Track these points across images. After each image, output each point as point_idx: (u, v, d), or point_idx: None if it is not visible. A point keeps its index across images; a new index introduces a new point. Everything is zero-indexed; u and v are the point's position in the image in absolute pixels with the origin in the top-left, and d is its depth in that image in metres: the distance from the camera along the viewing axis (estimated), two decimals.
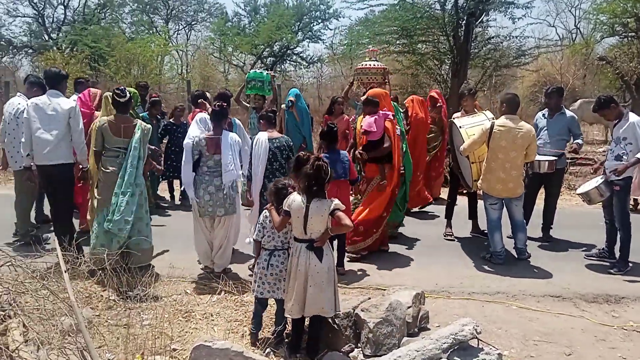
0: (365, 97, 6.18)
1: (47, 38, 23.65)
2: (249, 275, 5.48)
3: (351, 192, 6.12)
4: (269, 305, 4.26)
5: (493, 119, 6.02)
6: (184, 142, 5.38)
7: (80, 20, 22.82)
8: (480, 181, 5.95)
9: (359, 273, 5.64)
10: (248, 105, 7.97)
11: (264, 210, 4.11)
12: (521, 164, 5.80)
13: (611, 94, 6.09)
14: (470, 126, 6.11)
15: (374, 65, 7.93)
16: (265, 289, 4.03)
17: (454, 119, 6.66)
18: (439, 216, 7.96)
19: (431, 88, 14.98)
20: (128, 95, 5.27)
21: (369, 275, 5.60)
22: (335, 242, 5.36)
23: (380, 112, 5.95)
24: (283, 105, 7.52)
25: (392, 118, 5.99)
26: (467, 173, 6.35)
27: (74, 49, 19.74)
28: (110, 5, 24.38)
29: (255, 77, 7.69)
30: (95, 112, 6.22)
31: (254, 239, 4.19)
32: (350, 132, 7.67)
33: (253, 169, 5.36)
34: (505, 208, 6.00)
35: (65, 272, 3.75)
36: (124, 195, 5.08)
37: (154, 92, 10.46)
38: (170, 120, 8.74)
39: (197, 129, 5.55)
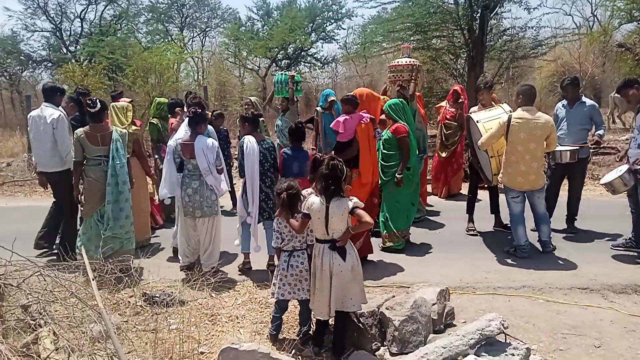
0: (345, 95, 6.07)
1: (65, 51, 24.08)
2: (238, 274, 5.64)
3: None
4: (289, 307, 4.28)
5: (510, 111, 5.96)
6: (168, 143, 5.72)
7: (97, 32, 23.18)
8: (500, 175, 5.89)
9: (382, 271, 5.63)
10: (279, 108, 8.09)
11: (276, 218, 4.13)
12: (541, 155, 5.73)
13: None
14: (488, 120, 6.06)
15: (402, 62, 7.86)
16: (286, 290, 4.05)
17: (471, 113, 6.61)
18: (438, 213, 7.98)
19: (448, 83, 14.93)
20: (99, 105, 5.50)
21: (392, 273, 5.58)
22: None
23: (358, 113, 5.77)
24: (318, 108, 7.38)
25: (367, 121, 5.73)
26: (487, 167, 6.29)
27: (92, 61, 20.06)
28: (125, 16, 24.73)
29: (277, 80, 7.80)
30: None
31: (273, 246, 4.24)
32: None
33: (247, 171, 5.47)
34: (527, 201, 5.93)
35: (93, 279, 3.82)
36: (117, 202, 5.48)
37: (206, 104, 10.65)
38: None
39: (182, 132, 5.74)
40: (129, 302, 4.75)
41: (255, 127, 5.76)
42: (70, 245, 5.57)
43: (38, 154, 6.09)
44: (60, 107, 6.37)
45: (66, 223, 6.18)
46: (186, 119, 5.71)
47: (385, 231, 6.30)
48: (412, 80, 7.55)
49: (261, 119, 7.50)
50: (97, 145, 5.45)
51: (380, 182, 6.13)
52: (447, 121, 8.66)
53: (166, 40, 24.58)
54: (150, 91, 15.69)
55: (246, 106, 8.26)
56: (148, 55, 17.51)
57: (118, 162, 5.48)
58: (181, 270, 5.63)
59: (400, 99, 6.46)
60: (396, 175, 6.06)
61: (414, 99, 7.27)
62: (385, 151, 6.21)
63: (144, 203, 6.70)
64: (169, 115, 7.34)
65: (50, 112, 5.95)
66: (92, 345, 3.51)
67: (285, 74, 7.95)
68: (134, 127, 6.42)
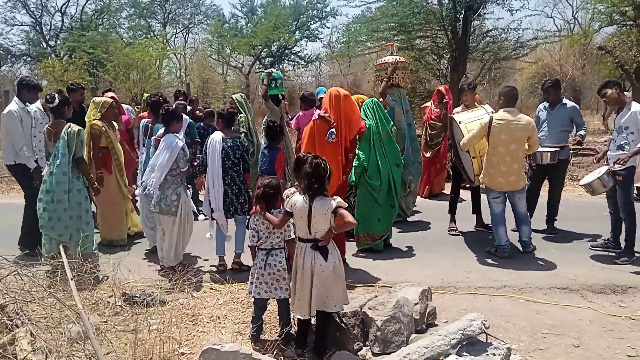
0: (302, 93, 6.12)
1: (45, 46, 23.71)
2: (216, 274, 5.55)
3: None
4: (272, 307, 4.26)
5: (492, 112, 6.00)
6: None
7: (78, 27, 22.86)
8: (482, 175, 5.94)
9: (364, 271, 5.63)
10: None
11: (254, 215, 4.10)
12: (522, 156, 5.78)
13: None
14: (470, 121, 6.10)
15: (383, 60, 7.87)
16: (262, 289, 4.02)
17: (453, 114, 6.65)
18: (419, 212, 7.98)
19: (431, 83, 15.02)
20: (57, 100, 5.33)
21: (374, 273, 5.59)
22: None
23: (310, 110, 5.97)
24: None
25: (315, 118, 5.47)
26: (469, 168, 6.34)
27: (72, 56, 19.77)
28: (107, 10, 24.41)
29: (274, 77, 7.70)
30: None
31: (249, 245, 4.20)
32: None
33: (208, 167, 5.54)
34: (508, 201, 5.99)
35: (71, 279, 3.75)
36: (46, 202, 5.21)
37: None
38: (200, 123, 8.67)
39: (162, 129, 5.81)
40: (109, 302, 4.68)
41: (227, 124, 5.75)
42: (32, 239, 5.58)
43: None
44: (36, 103, 6.34)
45: (26, 216, 6.17)
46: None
47: (357, 233, 6.18)
48: (391, 77, 7.52)
49: (241, 115, 7.47)
50: (51, 141, 5.32)
51: (353, 183, 5.99)
52: (432, 121, 8.68)
53: (148, 36, 24.33)
54: (132, 87, 15.53)
55: (230, 104, 8.23)
56: (130, 51, 17.35)
57: (58, 160, 5.19)
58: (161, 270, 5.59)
59: (374, 99, 6.33)
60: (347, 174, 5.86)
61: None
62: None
63: (116, 201, 6.53)
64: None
65: (9, 107, 6.10)
66: (70, 346, 3.45)
67: (277, 72, 7.88)
68: (94, 122, 6.29)
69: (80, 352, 3.33)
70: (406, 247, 6.46)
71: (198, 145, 7.29)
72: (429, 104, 9.01)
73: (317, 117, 5.50)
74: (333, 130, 5.43)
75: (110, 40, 20.84)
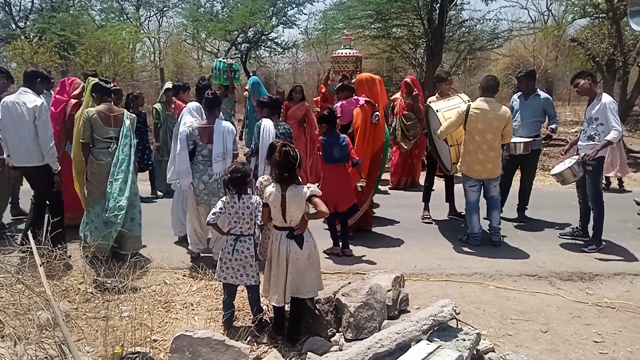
0: (340, 83, 6.24)
1: (14, 27, 22.96)
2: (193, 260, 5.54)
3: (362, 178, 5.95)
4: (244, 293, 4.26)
5: (469, 101, 6.05)
6: (180, 130, 5.43)
7: (48, 8, 22.18)
8: (459, 163, 5.99)
9: (338, 258, 5.66)
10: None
11: (225, 197, 4.06)
12: (498, 145, 5.84)
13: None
14: (447, 109, 6.14)
15: (346, 53, 7.96)
16: (228, 274, 4.00)
17: (430, 102, 6.68)
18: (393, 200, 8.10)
19: (407, 72, 15.06)
20: (111, 83, 5.30)
21: (348, 260, 5.62)
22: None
23: (354, 97, 6.11)
24: (245, 93, 7.67)
25: (362, 103, 6.04)
26: (446, 156, 6.39)
27: (43, 38, 19.24)
28: None
29: (215, 67, 7.76)
30: (72, 100, 6.04)
31: (209, 222, 4.08)
32: (311, 118, 7.79)
33: (261, 153, 5.42)
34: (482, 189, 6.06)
35: (40, 265, 3.69)
36: (117, 181, 5.13)
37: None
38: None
39: (190, 117, 5.55)
40: (79, 288, 4.62)
41: (272, 112, 5.69)
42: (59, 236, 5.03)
43: (14, 146, 5.14)
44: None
45: (53, 217, 5.26)
46: (192, 104, 5.74)
47: None
48: (357, 71, 7.69)
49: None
50: (110, 126, 5.20)
51: None
52: (405, 112, 8.50)
53: (121, 19, 23.79)
54: (104, 71, 15.21)
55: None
56: (102, 34, 16.97)
57: (128, 144, 5.26)
58: (192, 260, 5.46)
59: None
60: None
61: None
62: None
63: None
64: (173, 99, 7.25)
65: (29, 99, 5.08)
66: (39, 333, 3.41)
67: (223, 62, 7.91)
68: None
69: (49, 339, 3.28)
70: (380, 234, 6.50)
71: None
72: (398, 95, 8.80)
73: (364, 102, 6.03)
74: (377, 112, 6.08)
75: (81, 22, 20.29)
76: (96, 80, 5.36)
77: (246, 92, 7.85)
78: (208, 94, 5.38)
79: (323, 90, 8.36)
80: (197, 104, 5.79)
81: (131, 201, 5.27)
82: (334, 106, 6.09)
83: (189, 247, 5.54)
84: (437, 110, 6.19)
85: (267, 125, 5.49)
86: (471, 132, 5.74)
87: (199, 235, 5.48)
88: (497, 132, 5.73)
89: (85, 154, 5.27)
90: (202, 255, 5.57)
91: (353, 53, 8.08)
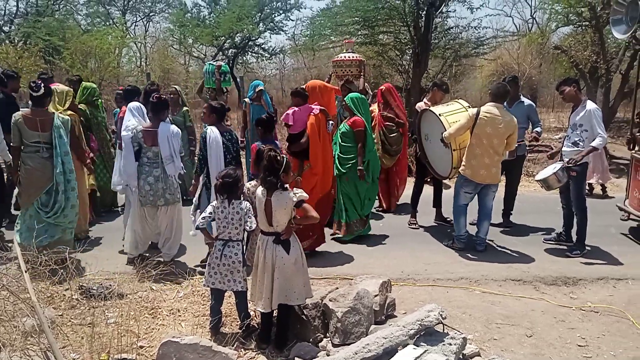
0: (294, 88, 6.15)
1: None
2: (195, 266, 5.56)
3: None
4: (232, 300, 4.25)
5: (469, 106, 6.11)
6: (122, 134, 5.46)
7: (34, 12, 22.00)
8: (463, 167, 5.95)
9: (326, 263, 5.67)
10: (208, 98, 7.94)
11: (214, 202, 4.07)
12: (502, 151, 5.87)
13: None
14: (450, 113, 6.16)
15: (349, 57, 7.92)
16: (216, 280, 4.00)
17: (428, 107, 6.63)
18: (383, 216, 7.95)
19: (394, 78, 15.13)
20: (43, 89, 5.21)
21: (336, 264, 5.64)
22: None
23: (307, 105, 5.81)
24: (247, 99, 7.52)
25: (317, 113, 5.75)
26: (446, 161, 6.31)
27: (27, 42, 19.07)
28: None
29: (207, 70, 7.73)
30: None
31: (199, 226, 4.07)
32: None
33: (213, 162, 5.29)
34: (477, 196, 6.07)
35: (25, 272, 3.65)
36: (64, 191, 5.23)
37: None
38: None
39: (133, 119, 5.55)
40: (65, 295, 4.58)
41: (220, 118, 5.55)
42: None
43: None
44: None
45: None
46: (132, 104, 5.66)
47: (338, 218, 6.43)
48: (362, 76, 7.64)
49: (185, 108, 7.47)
50: (37, 130, 5.16)
51: (337, 173, 6.25)
52: (388, 124, 7.47)
53: (107, 23, 23.68)
54: (90, 76, 15.11)
55: (171, 95, 8.10)
56: (87, 39, 16.87)
57: (64, 150, 5.25)
58: (128, 263, 5.48)
59: (362, 94, 6.64)
60: (358, 168, 6.20)
61: (366, 94, 7.33)
62: (342, 144, 6.32)
63: (84, 194, 6.39)
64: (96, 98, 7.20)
65: None
66: (24, 340, 3.37)
67: (212, 64, 7.87)
68: (69, 113, 6.08)
69: (35, 346, 3.26)
70: (368, 239, 6.53)
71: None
72: (374, 107, 7.66)
73: (318, 111, 5.76)
74: (331, 121, 5.94)
75: (67, 27, 20.14)
76: (88, 84, 5.40)
77: (247, 99, 7.78)
78: (153, 97, 5.35)
79: None
80: (138, 104, 5.79)
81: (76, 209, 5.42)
82: (287, 113, 5.83)
83: (126, 250, 5.59)
84: (439, 115, 6.17)
85: (213, 133, 5.30)
86: (479, 135, 5.74)
87: (139, 239, 5.49)
88: (503, 138, 5.76)
89: (16, 158, 5.30)
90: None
91: (356, 57, 8.01)
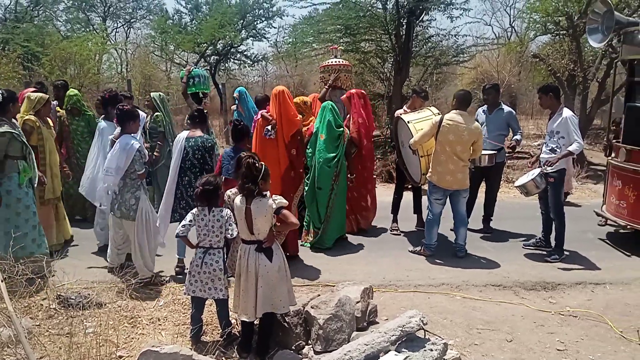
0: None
1: None
2: (169, 276, 5.50)
3: None
4: (213, 308, 4.22)
5: (438, 113, 6.18)
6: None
7: (12, 18, 21.74)
8: (429, 174, 6.05)
9: (307, 270, 5.66)
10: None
11: (194, 209, 4.04)
12: (467, 157, 5.94)
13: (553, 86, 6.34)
14: (418, 121, 6.24)
15: (332, 62, 7.96)
16: (197, 287, 3.97)
17: (400, 115, 6.73)
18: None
19: (375, 86, 15.22)
20: (1, 97, 5.09)
21: (318, 271, 5.63)
22: None
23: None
24: (233, 107, 7.53)
25: (259, 118, 5.77)
26: (416, 167, 6.45)
27: (5, 49, 18.80)
28: (43, 2, 23.33)
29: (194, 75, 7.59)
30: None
31: (179, 234, 4.03)
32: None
33: (171, 166, 5.42)
34: (449, 202, 6.14)
35: (1, 281, 3.59)
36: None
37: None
38: None
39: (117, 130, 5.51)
40: (42, 305, 4.50)
41: (194, 124, 5.61)
42: None
43: None
44: None
45: None
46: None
47: (305, 228, 6.54)
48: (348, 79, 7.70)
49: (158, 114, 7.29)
50: None
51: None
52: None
53: (87, 30, 23.47)
54: (69, 82, 14.91)
55: (147, 102, 8.07)
56: (67, 45, 16.68)
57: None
58: (108, 272, 5.39)
59: (330, 102, 6.63)
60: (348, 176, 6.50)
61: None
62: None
63: (46, 205, 6.19)
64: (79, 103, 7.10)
65: None
66: (1, 351, 3.31)
67: (197, 70, 7.76)
68: (27, 118, 5.94)
69: (11, 357, 3.20)
70: (349, 246, 6.54)
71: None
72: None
73: (259, 116, 5.73)
74: (269, 127, 5.67)
75: (46, 33, 19.91)
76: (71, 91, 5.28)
77: (234, 106, 7.72)
78: (117, 108, 5.22)
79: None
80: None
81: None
82: (255, 117, 5.93)
83: (107, 259, 5.52)
84: (408, 122, 6.28)
85: (179, 137, 5.48)
86: (442, 142, 5.82)
87: (113, 248, 5.41)
88: (467, 145, 5.83)
89: None
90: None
91: (338, 62, 8.04)
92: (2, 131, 5.07)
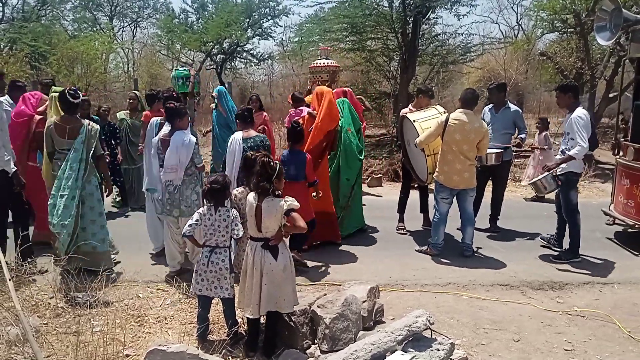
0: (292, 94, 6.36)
1: None
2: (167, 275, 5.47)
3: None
4: (219, 307, 4.22)
5: (444, 112, 6.15)
6: (153, 139, 5.38)
7: (19, 17, 21.89)
8: (436, 173, 6.03)
9: (314, 269, 5.66)
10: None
11: (202, 207, 4.04)
12: (473, 155, 5.90)
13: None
14: (424, 120, 6.22)
15: (321, 63, 8.05)
16: (204, 286, 3.97)
17: (405, 114, 6.73)
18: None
19: (381, 84, 15.20)
20: (80, 96, 5.16)
21: (324, 271, 5.63)
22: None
23: (299, 108, 6.37)
24: (212, 105, 7.66)
25: (305, 115, 6.18)
26: (422, 166, 6.43)
27: (13, 48, 18.92)
28: (51, 1, 23.46)
29: (177, 75, 7.71)
30: (37, 116, 5.92)
31: (185, 234, 4.02)
32: (270, 128, 7.92)
33: (227, 168, 5.33)
34: (456, 201, 6.11)
35: (9, 280, 3.61)
36: (62, 197, 4.97)
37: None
38: None
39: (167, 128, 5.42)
40: (49, 303, 4.52)
41: (245, 123, 5.53)
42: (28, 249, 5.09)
43: None
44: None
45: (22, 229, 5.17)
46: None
47: None
48: (333, 81, 7.81)
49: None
50: (64, 137, 5.08)
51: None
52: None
53: (94, 29, 23.60)
54: (76, 82, 15.02)
55: (130, 100, 8.11)
56: (74, 44, 16.79)
57: (77, 158, 5.09)
58: (172, 276, 5.29)
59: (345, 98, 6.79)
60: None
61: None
62: None
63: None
64: (148, 108, 7.07)
65: None
66: (8, 349, 3.33)
67: (179, 71, 7.88)
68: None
69: (19, 355, 3.21)
70: (356, 245, 6.53)
71: None
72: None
73: (305, 113, 6.13)
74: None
75: (53, 32, 20.06)
76: (60, 91, 5.22)
77: (213, 105, 7.78)
78: (166, 106, 5.26)
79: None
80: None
81: (92, 217, 5.21)
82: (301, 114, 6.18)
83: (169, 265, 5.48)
84: (414, 121, 6.25)
85: (234, 138, 5.42)
86: (449, 142, 5.79)
87: (171, 253, 5.37)
88: (473, 144, 5.80)
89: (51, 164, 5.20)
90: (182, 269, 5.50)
91: (328, 63, 8.13)
92: (97, 128, 5.29)
